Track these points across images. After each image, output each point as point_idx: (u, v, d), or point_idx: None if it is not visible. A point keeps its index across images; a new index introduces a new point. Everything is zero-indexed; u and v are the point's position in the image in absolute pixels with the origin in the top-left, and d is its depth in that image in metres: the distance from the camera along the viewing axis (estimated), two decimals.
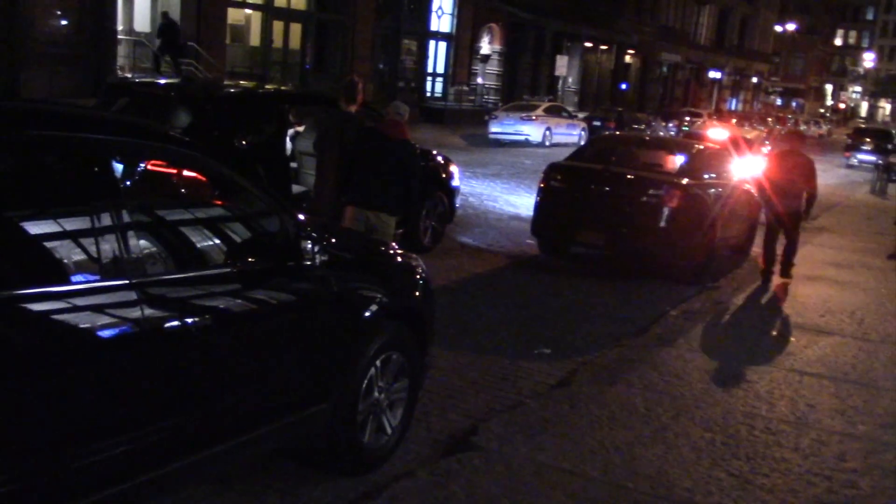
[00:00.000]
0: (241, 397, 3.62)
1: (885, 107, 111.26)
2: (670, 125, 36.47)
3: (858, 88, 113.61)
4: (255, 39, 29.07)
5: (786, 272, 10.08)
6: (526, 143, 28.26)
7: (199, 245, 3.81)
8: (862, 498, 4.62)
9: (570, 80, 44.95)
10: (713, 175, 10.70)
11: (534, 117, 29.30)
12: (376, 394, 4.42)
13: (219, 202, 4.17)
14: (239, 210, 4.08)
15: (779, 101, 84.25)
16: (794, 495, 4.57)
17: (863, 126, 54.06)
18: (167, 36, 23.04)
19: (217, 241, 3.92)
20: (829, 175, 27.71)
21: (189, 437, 3.35)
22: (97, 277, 3.06)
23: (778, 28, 75.61)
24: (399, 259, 5.05)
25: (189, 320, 3.27)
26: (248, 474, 4.26)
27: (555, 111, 31.17)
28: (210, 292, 3.48)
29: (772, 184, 9.83)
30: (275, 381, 3.80)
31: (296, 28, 29.80)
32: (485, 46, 38.46)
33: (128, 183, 3.48)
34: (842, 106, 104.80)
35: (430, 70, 36.20)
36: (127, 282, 3.09)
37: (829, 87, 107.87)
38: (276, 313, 3.83)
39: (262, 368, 3.73)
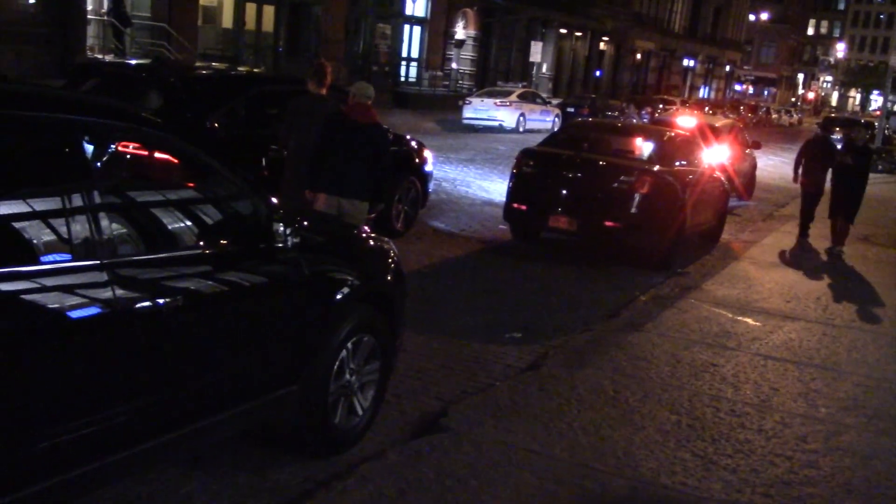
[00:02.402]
0: (212, 378, 3.64)
1: (855, 96, 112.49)
2: (643, 112, 36.64)
3: (829, 78, 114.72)
4: (227, 21, 28.82)
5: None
6: (500, 129, 28.30)
7: (170, 227, 3.81)
8: (822, 478, 4.73)
9: (544, 66, 45.00)
10: (684, 162, 10.81)
11: (508, 103, 29.34)
12: (347, 376, 4.45)
13: (190, 184, 4.17)
14: (211, 192, 4.09)
15: (751, 90, 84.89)
16: (756, 475, 4.67)
17: (833, 116, 54.76)
18: (116, 6, 22.71)
19: (189, 223, 3.92)
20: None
21: (158, 418, 3.37)
22: (68, 258, 3.06)
23: (751, 17, 76.08)
24: (371, 243, 5.08)
25: (160, 301, 3.28)
26: (218, 455, 4.29)
27: (529, 97, 31.23)
28: (181, 274, 3.49)
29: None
30: (245, 362, 3.83)
31: (269, 10, 29.57)
32: (459, 31, 38.40)
33: (98, 164, 3.47)
34: (812, 96, 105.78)
35: (404, 55, 36.09)
36: (98, 262, 3.09)
37: (800, 77, 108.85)
38: (247, 295, 3.85)
39: (233, 350, 3.75)
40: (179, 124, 6.81)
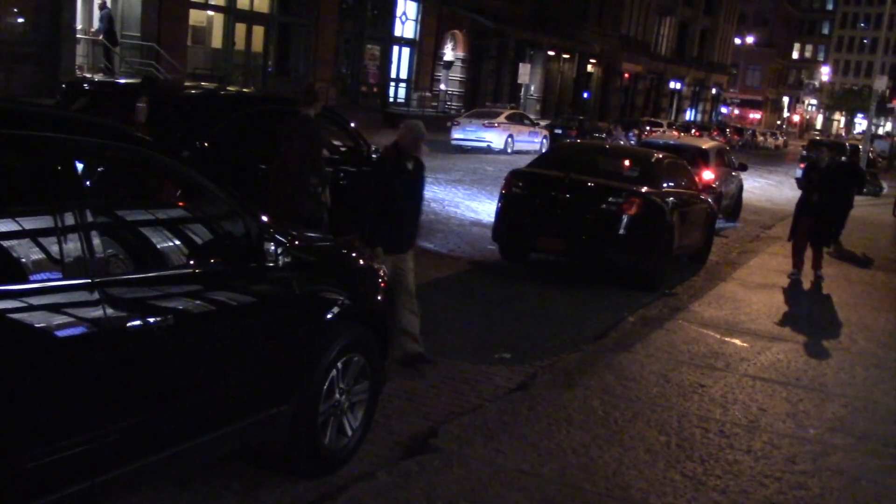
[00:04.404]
0: (201, 398, 3.63)
1: (840, 119, 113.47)
2: (631, 134, 36.87)
3: (814, 101, 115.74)
4: (216, 41, 28.89)
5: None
6: (488, 150, 28.39)
7: (161, 246, 3.81)
8: (811, 498, 4.74)
9: (532, 87, 45.25)
10: (672, 184, 10.88)
11: (496, 124, 29.45)
12: (337, 396, 4.44)
13: (182, 203, 4.17)
14: (202, 211, 4.09)
15: (736, 112, 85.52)
16: (746, 496, 4.67)
17: (818, 138, 55.36)
18: (108, 27, 22.77)
19: (179, 242, 3.92)
20: (787, 186, 28.21)
21: (148, 438, 3.36)
22: (59, 276, 3.06)
23: (737, 41, 76.81)
24: (361, 262, 5.09)
25: (150, 320, 3.27)
26: (207, 476, 4.26)
27: (517, 118, 31.37)
28: (171, 293, 3.49)
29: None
30: (234, 381, 3.82)
31: (258, 30, 29.67)
32: (448, 53, 38.60)
33: (89, 183, 3.48)
34: (797, 118, 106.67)
35: (393, 75, 36.23)
36: (88, 281, 3.09)
37: (785, 100, 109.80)
38: (238, 314, 3.84)
39: (222, 369, 3.74)
40: (169, 143, 6.82)
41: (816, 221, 11.49)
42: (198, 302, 3.61)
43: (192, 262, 3.72)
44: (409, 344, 6.28)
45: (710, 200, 12.56)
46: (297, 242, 4.27)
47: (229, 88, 12.87)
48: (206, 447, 3.69)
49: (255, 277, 3.90)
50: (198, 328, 3.59)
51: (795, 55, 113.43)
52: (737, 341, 7.99)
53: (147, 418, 3.33)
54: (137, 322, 3.22)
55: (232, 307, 3.82)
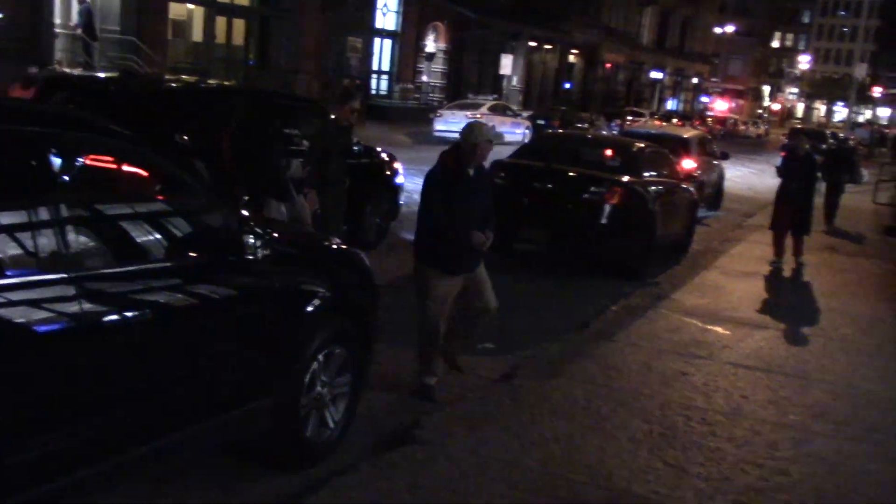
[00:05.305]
0: (181, 392, 3.61)
1: (821, 108, 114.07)
2: (613, 124, 36.92)
3: (795, 90, 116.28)
4: (197, 35, 28.70)
5: None
6: None
7: (139, 239, 3.78)
8: (792, 484, 4.77)
9: (514, 79, 45.22)
10: (654, 173, 10.91)
11: (479, 115, 29.41)
12: (319, 388, 4.43)
13: (160, 197, 4.14)
14: (180, 205, 4.06)
15: (718, 103, 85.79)
16: (728, 483, 4.70)
17: (799, 126, 55.76)
18: (86, 21, 22.59)
19: (158, 236, 3.90)
20: (767, 174, 28.34)
21: (128, 433, 3.34)
22: (35, 271, 3.03)
23: (717, 30, 77.02)
24: (343, 255, 5.07)
25: (128, 315, 3.26)
26: (189, 470, 4.25)
27: (499, 110, 31.35)
28: (149, 287, 3.47)
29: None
30: (215, 376, 3.80)
31: (239, 24, 29.51)
32: (430, 45, 38.50)
33: (66, 176, 3.44)
34: (777, 107, 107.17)
35: (375, 68, 36.12)
36: (65, 275, 3.06)
37: (766, 89, 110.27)
38: (217, 308, 3.82)
39: (203, 363, 3.72)
40: (148, 137, 6.76)
41: (796, 209, 11.55)
42: (176, 296, 3.59)
43: (170, 256, 3.70)
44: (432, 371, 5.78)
45: (691, 189, 12.61)
46: (276, 235, 4.25)
47: (209, 82, 12.79)
48: (186, 442, 3.68)
49: (235, 271, 3.88)
50: (177, 322, 3.57)
51: (776, 44, 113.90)
52: (719, 329, 8.03)
53: (127, 413, 3.31)
54: (115, 317, 3.20)
55: (211, 301, 3.80)
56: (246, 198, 6.66)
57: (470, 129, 5.60)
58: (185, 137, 7.77)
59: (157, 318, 3.39)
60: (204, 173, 7.05)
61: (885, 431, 5.76)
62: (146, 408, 3.42)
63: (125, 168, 3.89)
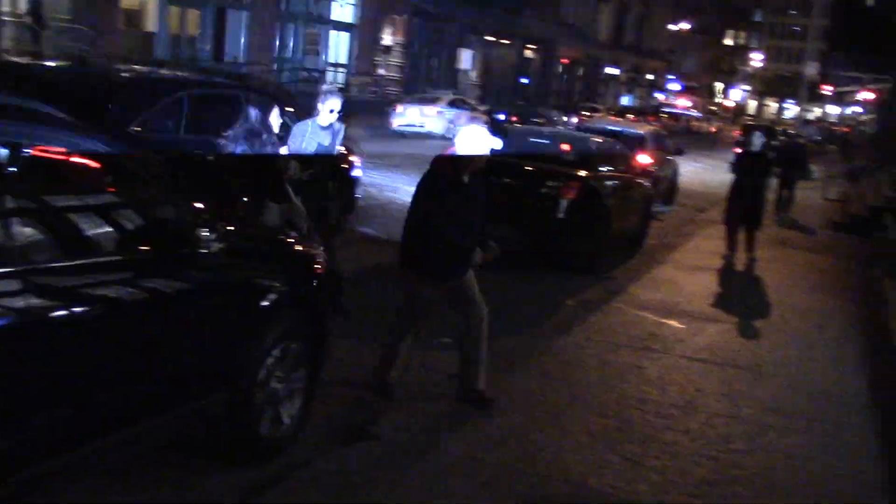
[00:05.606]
0: (131, 387, 3.52)
1: (772, 105, 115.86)
2: (569, 119, 37.09)
3: (747, 87, 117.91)
4: (150, 25, 28.21)
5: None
6: (428, 136, 28.29)
7: (88, 233, 3.68)
8: (746, 477, 4.83)
9: (472, 73, 45.22)
10: (610, 168, 10.97)
11: (437, 110, 29.36)
12: (274, 383, 4.37)
13: (111, 189, 4.04)
14: (131, 197, 3.97)
15: (667, 98, 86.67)
16: (683, 475, 4.74)
17: (751, 123, 56.66)
18: (36, 9, 22.12)
19: (108, 229, 3.80)
20: (720, 170, 28.69)
21: (75, 430, 3.25)
22: None
23: (672, 27, 77.79)
24: (298, 248, 5.01)
25: (76, 310, 3.17)
26: (140, 467, 4.16)
27: (457, 104, 31.31)
28: (99, 281, 3.38)
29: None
30: (166, 371, 3.72)
31: (193, 14, 29.06)
32: (387, 38, 38.33)
33: (13, 168, 3.34)
34: (730, 104, 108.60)
35: (332, 60, 35.88)
36: (10, 270, 2.97)
37: (719, 86, 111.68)
38: (168, 302, 3.74)
39: (153, 359, 3.64)
40: (100, 128, 6.62)
41: (749, 205, 11.70)
42: (127, 290, 3.51)
43: (120, 249, 3.61)
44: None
45: (646, 184, 12.71)
46: (230, 228, 4.18)
47: (162, 72, 12.58)
48: (138, 438, 3.60)
49: (187, 264, 3.80)
50: (127, 317, 3.48)
51: (729, 42, 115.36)
52: (673, 323, 8.10)
53: (73, 411, 3.23)
54: (62, 312, 3.12)
55: (162, 295, 3.71)
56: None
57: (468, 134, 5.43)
58: (139, 129, 7.63)
59: (105, 313, 3.31)
60: (159, 165, 6.92)
61: (837, 424, 5.86)
62: (93, 404, 3.33)
63: (73, 159, 3.79)
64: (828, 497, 4.83)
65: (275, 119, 7.31)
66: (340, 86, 34.95)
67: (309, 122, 7.40)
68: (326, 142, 7.34)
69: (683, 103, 73.40)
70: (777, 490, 4.75)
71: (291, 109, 8.74)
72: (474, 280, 5.66)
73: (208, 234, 3.84)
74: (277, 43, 32.23)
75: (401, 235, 5.49)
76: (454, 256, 5.39)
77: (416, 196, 5.42)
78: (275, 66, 30.57)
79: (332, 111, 7.29)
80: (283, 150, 7.30)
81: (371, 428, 4.89)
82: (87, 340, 3.24)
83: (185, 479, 4.15)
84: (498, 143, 5.64)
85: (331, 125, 7.39)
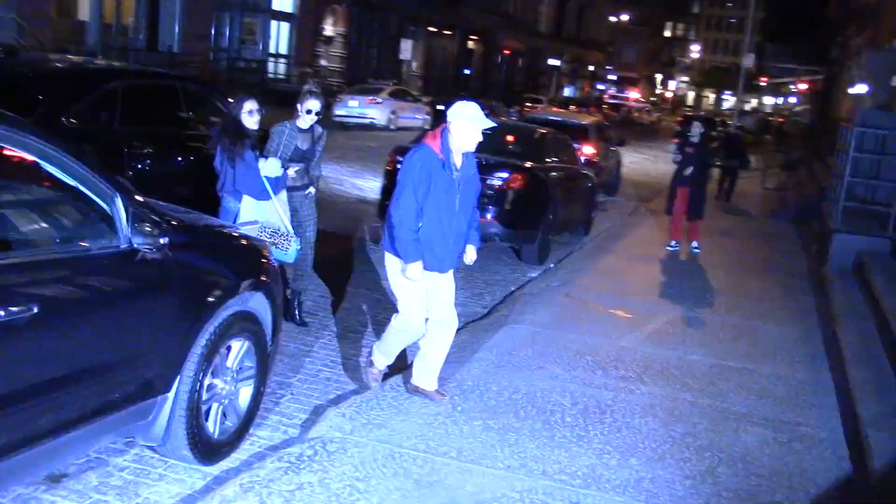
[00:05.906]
0: (68, 390, 3.37)
1: (710, 96, 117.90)
2: (511, 111, 37.23)
3: (686, 78, 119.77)
4: (84, 14, 27.50)
5: None
6: (371, 126, 28.12)
7: (22, 228, 3.52)
8: (696, 471, 4.86)
9: (413, 64, 45.09)
10: (555, 158, 11.00)
11: (379, 100, 29.20)
12: (221, 381, 4.26)
13: (46, 183, 3.88)
14: (68, 191, 3.81)
15: (613, 90, 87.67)
16: (630, 468, 4.75)
17: (690, 114, 57.71)
18: None
19: (43, 225, 3.65)
20: (662, 160, 29.09)
21: (9, 435, 3.11)
22: None
23: (612, 19, 78.58)
24: (245, 243, 4.89)
25: (12, 309, 3.03)
26: (83, 472, 4.03)
27: (400, 95, 31.17)
28: (33, 279, 3.23)
29: None
30: (107, 370, 3.57)
31: (128, 3, 28.41)
32: (328, 28, 37.99)
33: None
34: (669, 95, 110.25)
35: (272, 50, 35.43)
36: None
37: (658, 77, 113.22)
38: (108, 300, 3.59)
39: (93, 358, 3.50)
40: (32, 120, 6.39)
41: (691, 195, 11.84)
42: (63, 288, 3.36)
43: (56, 246, 3.46)
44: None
45: (591, 175, 12.79)
46: (174, 223, 4.04)
47: (96, 62, 12.23)
48: (76, 443, 3.46)
49: (127, 260, 3.66)
50: (63, 316, 3.32)
51: (668, 33, 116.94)
52: (619, 312, 8.15)
53: (7, 414, 3.08)
54: None
55: (102, 292, 3.57)
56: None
57: (466, 107, 5.20)
58: (73, 120, 7.40)
59: (41, 313, 3.15)
60: (93, 158, 6.70)
61: (786, 414, 5.93)
62: (29, 408, 3.18)
63: (4, 152, 3.62)
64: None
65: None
66: (282, 77, 34.60)
67: (287, 124, 6.77)
68: (305, 146, 6.75)
69: (634, 95, 74.31)
70: (729, 485, 4.80)
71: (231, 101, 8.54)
72: (453, 283, 5.45)
73: (151, 228, 3.71)
74: (213, 32, 31.69)
75: (388, 224, 5.19)
76: (443, 246, 5.15)
77: (403, 179, 5.15)
78: (211, 56, 30.03)
79: (309, 112, 6.70)
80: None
81: (324, 424, 4.80)
82: (18, 342, 3.08)
83: (132, 484, 4.03)
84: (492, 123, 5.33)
85: (311, 128, 6.82)
